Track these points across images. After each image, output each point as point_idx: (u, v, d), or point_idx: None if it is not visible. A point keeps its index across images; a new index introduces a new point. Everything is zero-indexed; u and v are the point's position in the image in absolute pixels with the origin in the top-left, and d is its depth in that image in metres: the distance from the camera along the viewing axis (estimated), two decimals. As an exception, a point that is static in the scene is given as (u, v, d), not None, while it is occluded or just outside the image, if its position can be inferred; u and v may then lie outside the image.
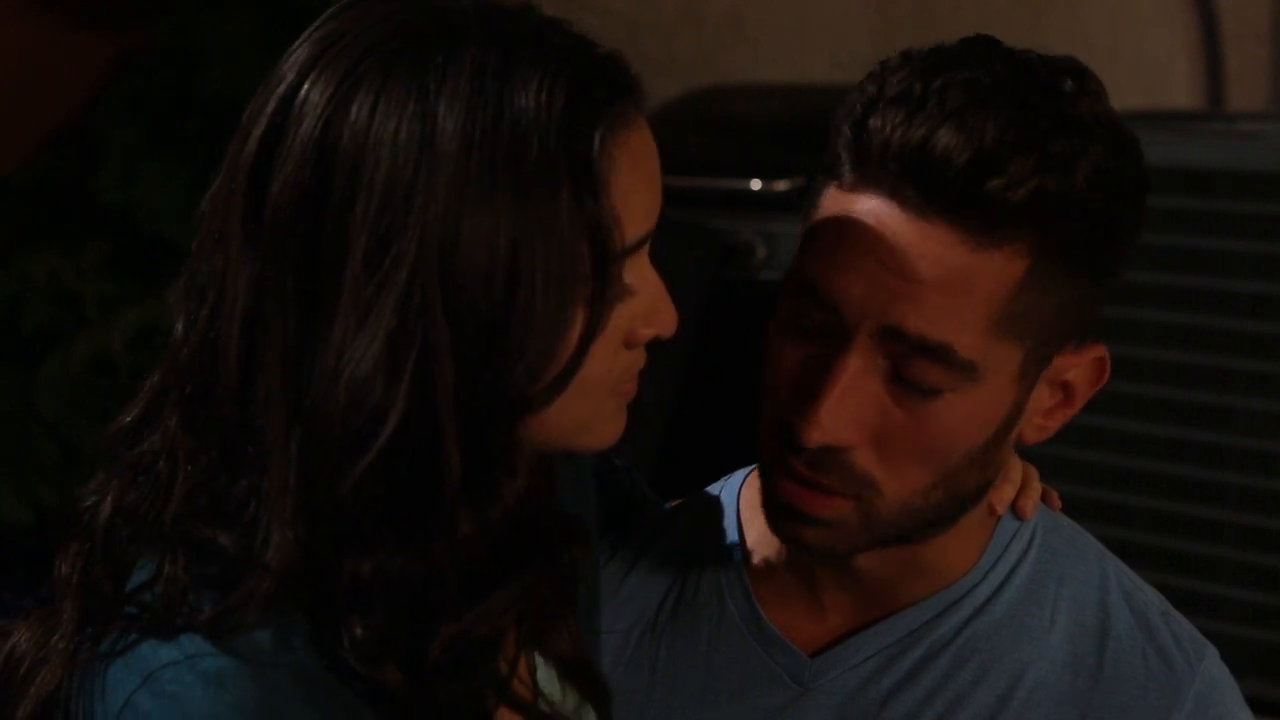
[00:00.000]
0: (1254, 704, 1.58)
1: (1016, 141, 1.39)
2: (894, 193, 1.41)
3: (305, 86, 1.26)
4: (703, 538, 1.64)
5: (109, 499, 1.32)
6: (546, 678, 1.43)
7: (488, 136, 1.23)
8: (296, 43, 1.30)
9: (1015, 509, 1.58)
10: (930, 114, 1.40)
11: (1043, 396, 1.51)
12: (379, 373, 1.23)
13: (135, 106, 4.08)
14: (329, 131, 1.24)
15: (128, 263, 3.98)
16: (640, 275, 1.32)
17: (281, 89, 1.28)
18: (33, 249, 4.00)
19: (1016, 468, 1.59)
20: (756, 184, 3.92)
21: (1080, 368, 1.51)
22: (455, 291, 1.23)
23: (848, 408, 1.43)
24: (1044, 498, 1.61)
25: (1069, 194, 1.41)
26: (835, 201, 1.45)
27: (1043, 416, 1.52)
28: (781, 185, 3.90)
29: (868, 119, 1.43)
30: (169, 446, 1.30)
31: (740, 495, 1.64)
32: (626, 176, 1.28)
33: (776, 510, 1.50)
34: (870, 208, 1.43)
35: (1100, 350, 1.51)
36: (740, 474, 1.65)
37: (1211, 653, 1.55)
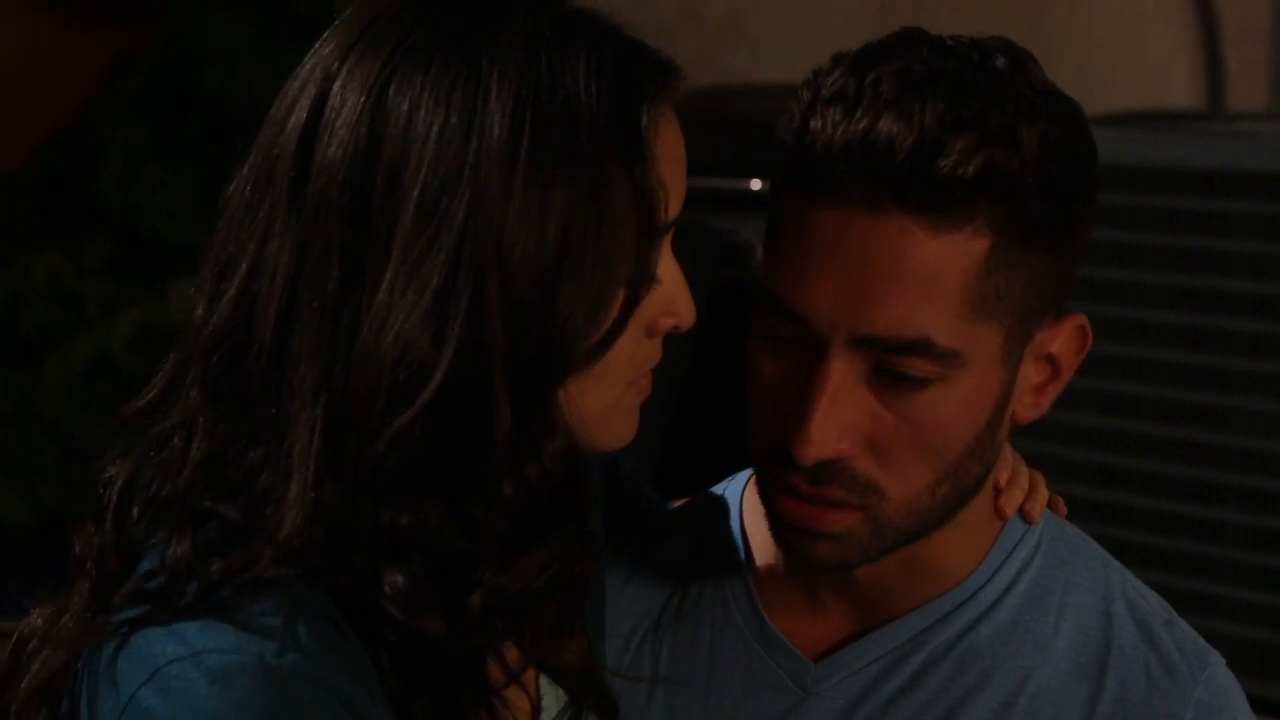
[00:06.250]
0: (1254, 704, 1.58)
1: (957, 120, 1.38)
2: (844, 192, 1.39)
3: (351, 60, 1.28)
4: (706, 541, 1.63)
5: (121, 476, 1.32)
6: (549, 682, 1.42)
7: (541, 104, 1.26)
8: (330, 29, 1.31)
9: (1022, 513, 1.57)
10: (868, 107, 1.39)
11: (1030, 373, 1.50)
12: (427, 328, 1.24)
13: (135, 106, 4.08)
14: (381, 98, 1.26)
15: (128, 263, 3.98)
16: (665, 263, 1.34)
17: (326, 67, 1.29)
18: (33, 249, 4.00)
19: (1024, 473, 1.58)
20: (756, 184, 3.91)
21: (1063, 338, 1.50)
22: (507, 251, 1.25)
23: (836, 419, 1.41)
24: (1050, 503, 1.60)
25: (1020, 165, 1.40)
26: (789, 211, 1.44)
27: (1034, 394, 1.51)
28: (781, 185, 3.88)
29: (808, 123, 1.41)
30: (187, 419, 1.30)
31: (743, 498, 1.63)
32: (670, 149, 1.31)
33: (784, 530, 1.48)
34: (823, 212, 1.40)
35: (1080, 319, 1.50)
36: (743, 476, 1.64)
37: (1215, 660, 1.54)
